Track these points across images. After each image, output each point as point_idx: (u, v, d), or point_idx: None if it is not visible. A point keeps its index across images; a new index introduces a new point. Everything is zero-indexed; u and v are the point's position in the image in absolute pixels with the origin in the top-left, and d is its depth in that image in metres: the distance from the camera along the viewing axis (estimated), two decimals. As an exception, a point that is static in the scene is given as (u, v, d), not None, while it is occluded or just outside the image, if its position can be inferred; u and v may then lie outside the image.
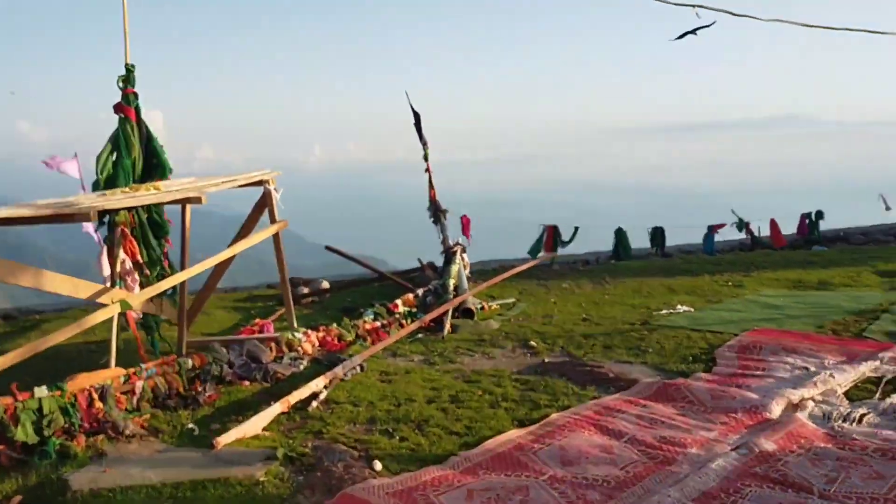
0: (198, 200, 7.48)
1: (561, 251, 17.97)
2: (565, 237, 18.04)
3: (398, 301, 10.81)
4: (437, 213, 17.11)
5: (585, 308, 11.43)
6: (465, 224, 18.27)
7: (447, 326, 9.99)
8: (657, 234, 18.48)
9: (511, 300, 12.17)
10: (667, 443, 5.86)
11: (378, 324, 9.99)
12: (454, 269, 12.20)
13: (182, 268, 8.65)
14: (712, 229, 18.31)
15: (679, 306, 10.93)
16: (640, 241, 19.09)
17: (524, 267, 14.36)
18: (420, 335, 9.91)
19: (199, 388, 7.63)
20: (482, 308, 11.36)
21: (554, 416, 6.59)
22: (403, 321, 10.31)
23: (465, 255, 14.04)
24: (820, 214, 18.56)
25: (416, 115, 16.38)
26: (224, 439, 6.27)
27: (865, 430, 5.95)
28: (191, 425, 6.78)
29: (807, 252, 15.89)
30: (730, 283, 12.76)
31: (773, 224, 18.53)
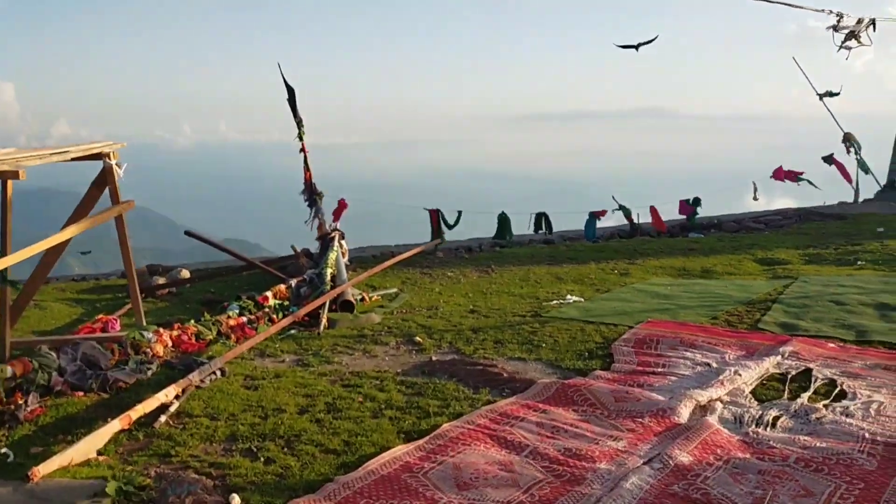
0: (14, 175, 6.11)
1: (446, 237, 17.32)
2: (450, 220, 17.38)
3: (268, 293, 9.70)
4: (312, 196, 16.06)
5: (472, 298, 10.73)
6: (341, 207, 17.29)
7: (323, 321, 9.00)
8: (541, 220, 18.15)
9: (393, 290, 11.30)
10: (573, 456, 5.19)
11: (244, 319, 8.86)
12: (332, 256, 11.18)
13: (3, 253, 7.21)
14: (594, 216, 18.17)
15: (569, 296, 10.42)
16: (522, 227, 18.74)
17: (408, 254, 13.51)
18: (293, 331, 8.88)
19: (20, 402, 6.35)
20: (362, 300, 10.44)
21: (445, 426, 5.80)
22: (274, 316, 9.23)
23: (343, 242, 13.03)
24: (697, 201, 18.80)
25: (290, 90, 15.19)
26: (44, 469, 5.12)
27: (782, 437, 5.50)
28: (4, 450, 5.57)
29: (686, 239, 15.95)
30: (616, 272, 12.43)
31: (654, 211, 18.61)
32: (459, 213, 17.64)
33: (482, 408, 6.20)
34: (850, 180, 19.79)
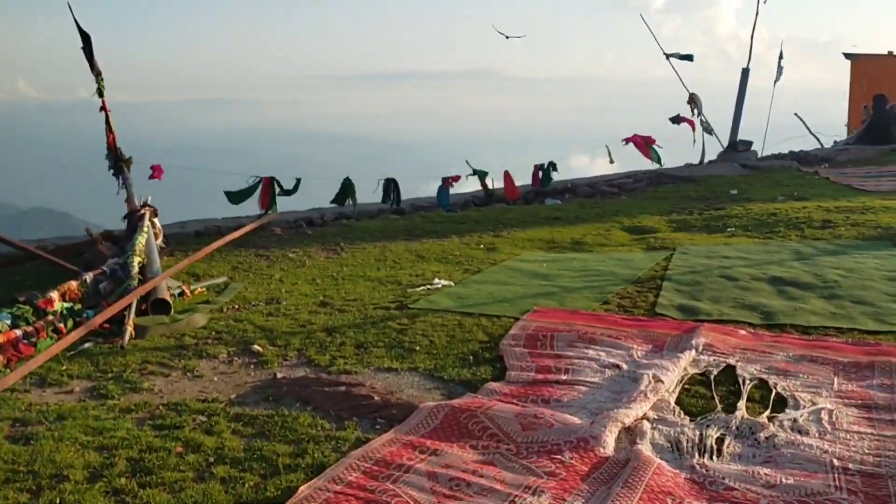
0: None
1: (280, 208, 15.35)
2: (288, 187, 15.40)
3: (53, 293, 7.43)
4: (117, 162, 13.52)
5: (322, 286, 9.01)
6: (156, 175, 14.85)
7: (129, 329, 6.96)
8: (390, 186, 16.56)
9: (222, 279, 9.34)
10: (485, 531, 3.71)
11: (17, 332, 6.63)
12: (140, 240, 8.99)
13: None
14: (446, 182, 16.85)
15: (436, 280, 8.96)
16: (366, 195, 17.06)
17: (239, 233, 11.44)
18: (88, 345, 6.80)
19: None
20: (181, 294, 8.42)
21: (303, 490, 4.14)
22: (61, 325, 7.03)
23: (156, 220, 10.78)
24: (553, 166, 17.98)
25: (85, 38, 12.52)
26: None
27: (737, 471, 4.34)
28: None
29: (547, 207, 14.98)
30: (482, 246, 11.14)
31: (507, 176, 17.57)
32: (298, 180, 15.67)
33: (351, 453, 4.59)
34: (694, 128, 19.83)
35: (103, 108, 13.23)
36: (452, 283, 8.82)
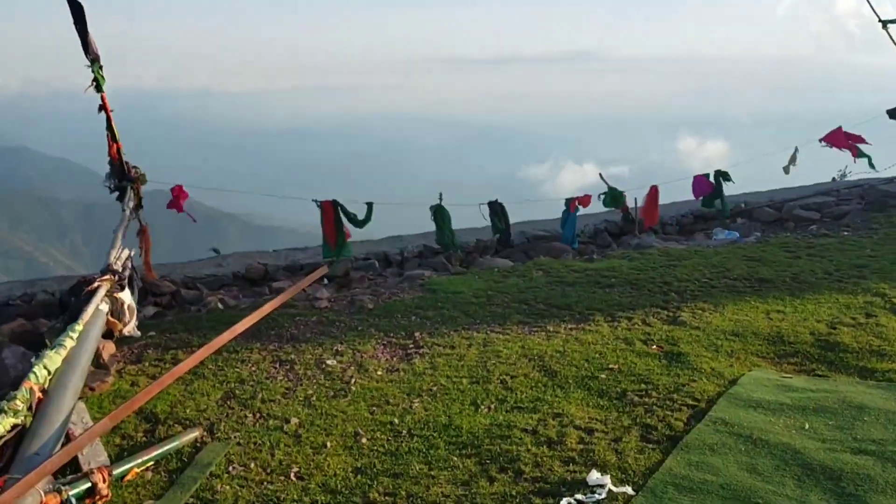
0: None
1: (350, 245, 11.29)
2: (359, 215, 11.28)
3: None
4: (123, 180, 9.86)
5: (368, 460, 4.72)
6: (177, 200, 11.06)
7: None
8: (497, 211, 12.03)
9: (190, 436, 5.12)
10: None
11: None
12: (48, 362, 4.85)
13: None
14: (572, 204, 12.16)
15: (595, 475, 4.48)
16: (464, 219, 12.66)
17: (271, 306, 7.22)
18: None
19: None
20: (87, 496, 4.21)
21: None
22: None
23: (126, 296, 6.71)
24: (725, 176, 12.95)
25: (76, 8, 8.72)
26: None
27: None
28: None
29: (726, 249, 10.00)
30: (654, 346, 6.54)
31: (653, 196, 12.68)
32: (369, 205, 11.42)
33: None
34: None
35: (103, 107, 9.37)
36: (633, 492, 4.22)
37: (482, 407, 5.46)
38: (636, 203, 12.71)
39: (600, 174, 12.63)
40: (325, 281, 11.44)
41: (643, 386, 5.69)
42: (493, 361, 6.25)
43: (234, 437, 5.11)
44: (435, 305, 7.76)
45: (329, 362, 6.31)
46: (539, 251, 11.40)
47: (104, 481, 4.42)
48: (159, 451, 4.86)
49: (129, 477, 4.62)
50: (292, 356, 6.47)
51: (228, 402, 5.63)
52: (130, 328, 6.82)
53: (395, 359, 6.42)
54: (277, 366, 6.29)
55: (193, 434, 5.12)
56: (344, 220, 11.23)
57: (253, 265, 11.84)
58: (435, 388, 5.77)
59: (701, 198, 13.18)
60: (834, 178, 18.13)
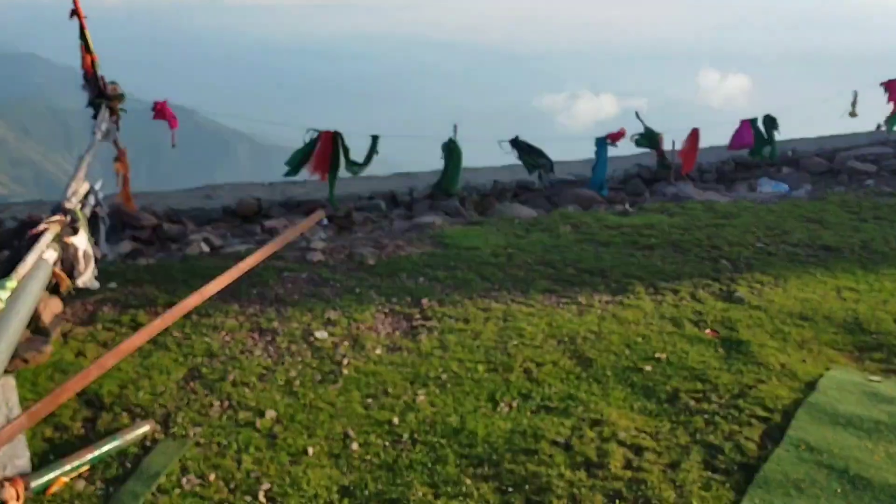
0: None
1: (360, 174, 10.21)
2: (357, 155, 10.08)
3: None
4: (98, 98, 8.65)
5: (359, 474, 3.63)
6: (163, 115, 9.99)
7: None
8: (523, 149, 10.77)
9: (138, 431, 4.11)
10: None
11: None
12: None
13: None
14: (605, 142, 10.90)
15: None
16: (480, 156, 11.41)
17: (261, 255, 6.14)
18: None
19: None
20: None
21: None
22: None
23: (78, 239, 5.62)
24: (772, 123, 11.63)
25: None
26: None
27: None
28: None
29: (779, 204, 8.82)
30: (708, 329, 5.52)
31: (694, 139, 11.40)
32: (374, 139, 10.20)
33: None
34: None
35: (76, 12, 8.11)
36: (701, 551, 3.21)
37: (502, 404, 4.43)
38: (673, 146, 11.46)
39: (636, 112, 11.33)
40: (325, 221, 10.34)
41: (699, 385, 4.64)
42: (514, 342, 5.20)
43: (194, 433, 4.11)
44: (446, 264, 6.67)
45: (318, 335, 5.27)
46: (565, 199, 10.24)
47: (17, 498, 3.45)
48: (97, 452, 3.86)
49: (53, 489, 3.64)
50: (275, 324, 5.43)
51: (192, 384, 4.61)
52: (86, 279, 5.76)
53: (397, 332, 5.37)
54: (256, 336, 5.25)
55: (143, 429, 4.11)
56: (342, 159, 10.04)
57: (245, 199, 10.74)
58: (444, 376, 4.73)
59: (739, 149, 11.89)
60: (879, 126, 16.73)
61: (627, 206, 9.93)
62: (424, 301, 5.89)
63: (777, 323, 5.54)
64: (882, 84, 12.07)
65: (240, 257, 6.52)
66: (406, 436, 4.12)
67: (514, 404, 4.44)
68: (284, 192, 11.26)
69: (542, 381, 4.70)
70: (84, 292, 5.86)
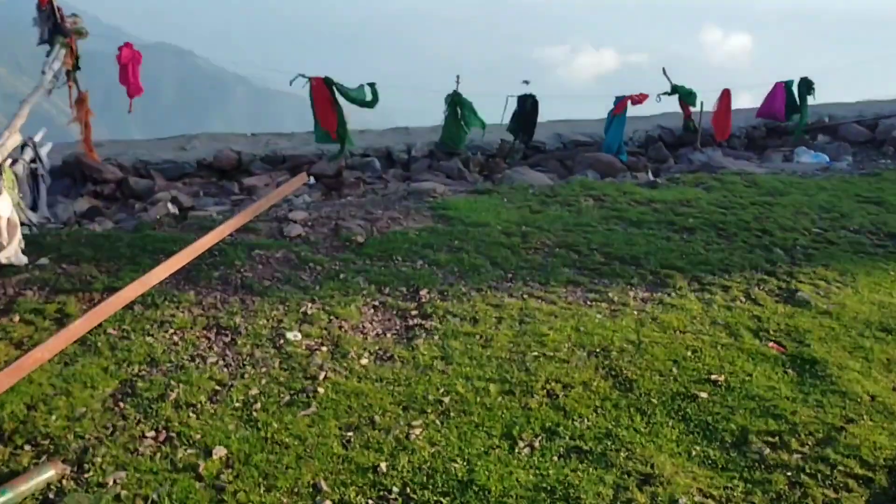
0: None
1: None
2: (352, 90, 9.03)
3: None
4: (55, 32, 7.70)
5: None
6: (126, 65, 8.75)
7: None
8: (523, 112, 9.63)
9: (40, 478, 3.05)
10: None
11: None
12: None
13: None
14: (621, 104, 9.75)
15: None
16: (491, 113, 10.25)
17: (232, 224, 5.11)
18: None
19: None
20: None
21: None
22: None
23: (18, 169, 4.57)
24: (809, 87, 10.47)
25: None
26: None
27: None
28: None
29: (827, 178, 7.74)
30: (771, 342, 4.50)
31: (726, 100, 10.25)
32: (372, 86, 9.02)
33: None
34: None
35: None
36: None
37: (521, 443, 3.42)
38: (702, 108, 10.31)
39: (663, 69, 10.14)
40: (311, 180, 9.23)
41: (772, 424, 3.63)
42: (534, 353, 4.17)
43: (115, 481, 3.08)
44: (450, 244, 5.60)
45: (290, 336, 4.22)
46: (582, 164, 9.12)
47: None
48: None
49: None
50: (237, 320, 4.37)
51: (122, 405, 3.57)
52: (9, 253, 4.69)
53: (389, 335, 4.33)
54: (212, 337, 4.20)
55: (47, 474, 3.08)
56: (341, 101, 8.88)
57: (223, 152, 9.59)
58: (447, 400, 3.71)
59: (769, 117, 10.73)
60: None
61: (652, 174, 8.85)
62: (423, 292, 4.84)
63: (854, 335, 4.53)
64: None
65: (205, 228, 5.46)
66: (396, 489, 3.11)
67: (537, 443, 3.43)
68: (269, 143, 10.12)
69: (571, 410, 3.68)
70: (6, 270, 4.79)
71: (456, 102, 9.32)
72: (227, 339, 4.18)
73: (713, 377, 4.02)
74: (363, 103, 8.95)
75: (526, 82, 9.84)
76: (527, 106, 9.73)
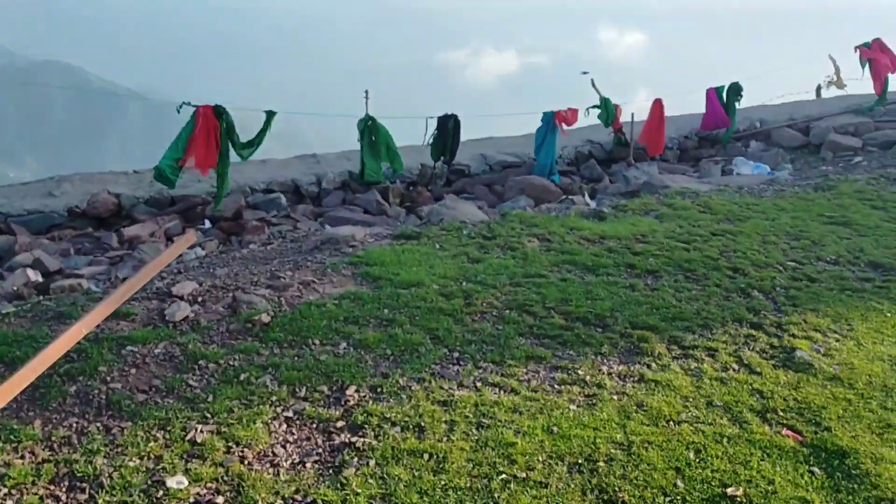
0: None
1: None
2: (247, 132, 7.93)
3: None
4: None
5: None
6: None
7: None
8: (446, 137, 8.71)
9: None
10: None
11: None
12: None
13: None
14: (556, 118, 8.96)
15: None
16: (408, 135, 9.27)
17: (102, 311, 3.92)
18: None
19: None
20: None
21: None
22: None
23: None
24: (737, 91, 9.96)
25: None
26: None
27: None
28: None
29: (802, 197, 7.11)
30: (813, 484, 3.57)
31: (657, 113, 9.61)
32: (268, 116, 7.90)
33: None
34: None
35: None
36: None
37: None
38: (632, 119, 9.64)
39: (592, 80, 9.41)
40: (206, 224, 8.02)
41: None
42: (502, 474, 3.20)
43: None
44: (378, 314, 4.56)
45: (172, 483, 3.09)
46: (513, 189, 8.25)
47: None
48: None
49: None
50: (99, 462, 3.21)
51: None
52: None
53: (309, 464, 3.27)
54: (63, 495, 3.03)
55: None
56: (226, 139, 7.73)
57: (100, 196, 8.24)
58: None
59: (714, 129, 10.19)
60: (819, 87, 15.52)
61: (589, 196, 8.07)
62: (350, 391, 3.79)
63: (876, 408, 3.77)
64: (857, 49, 10.58)
65: (64, 317, 4.26)
66: None
67: None
68: (154, 183, 8.81)
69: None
70: None
71: (371, 130, 8.29)
72: (84, 498, 3.02)
73: (729, 491, 3.15)
74: (241, 147, 7.85)
75: (585, 73, 8.92)
76: (448, 126, 8.81)
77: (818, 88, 15.57)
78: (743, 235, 5.99)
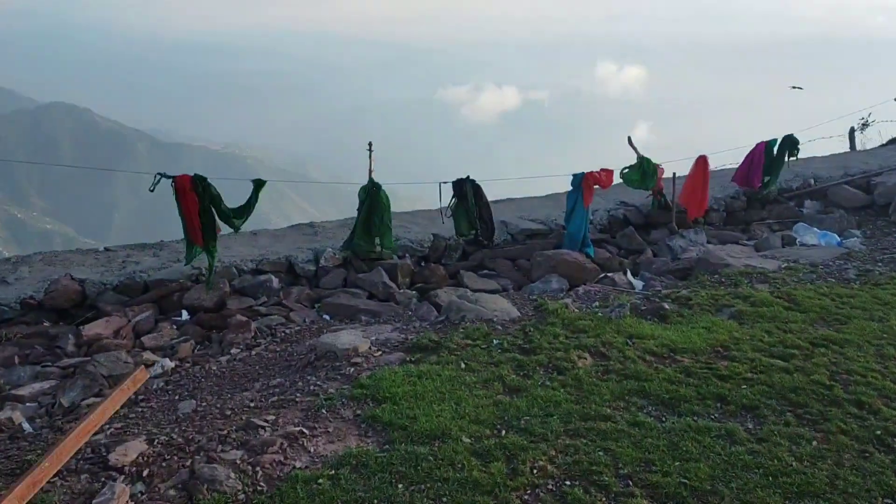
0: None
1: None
2: (230, 203, 6.69)
3: None
4: None
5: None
6: None
7: None
8: (466, 206, 7.50)
9: None
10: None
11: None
12: None
13: None
14: (586, 180, 7.76)
15: None
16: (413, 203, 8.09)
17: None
18: None
19: None
20: None
21: None
22: None
23: None
24: (793, 144, 8.79)
25: None
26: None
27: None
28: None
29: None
30: None
31: (701, 170, 8.42)
32: (257, 185, 6.73)
33: None
34: None
35: None
36: None
37: None
38: (674, 178, 8.45)
39: (629, 137, 8.23)
40: (183, 315, 6.80)
41: None
42: None
43: None
44: (391, 494, 3.28)
45: None
46: (542, 266, 7.03)
47: None
48: None
49: None
50: None
51: None
52: None
53: None
54: None
55: None
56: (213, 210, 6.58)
57: (60, 283, 7.00)
58: None
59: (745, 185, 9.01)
60: (852, 129, 14.38)
61: (631, 274, 6.82)
62: None
63: None
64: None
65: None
66: None
67: None
68: (126, 263, 7.59)
69: None
70: None
71: (372, 198, 7.11)
72: None
73: None
74: (230, 218, 6.68)
75: (797, 87, 7.77)
76: (465, 191, 7.59)
77: (851, 132, 14.35)
78: (850, 346, 4.73)
